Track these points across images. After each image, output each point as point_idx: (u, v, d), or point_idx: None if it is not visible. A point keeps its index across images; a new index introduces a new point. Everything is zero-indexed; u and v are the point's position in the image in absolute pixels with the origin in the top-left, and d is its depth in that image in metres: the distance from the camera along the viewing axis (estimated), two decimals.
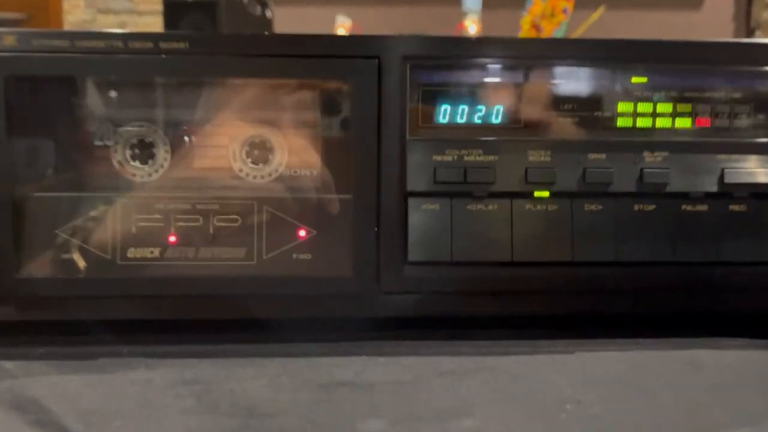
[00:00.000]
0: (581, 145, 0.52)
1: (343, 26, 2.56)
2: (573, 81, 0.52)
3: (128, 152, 0.53)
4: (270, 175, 0.54)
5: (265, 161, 0.54)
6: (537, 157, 0.51)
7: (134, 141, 0.53)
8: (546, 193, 0.52)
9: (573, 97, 0.52)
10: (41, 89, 0.51)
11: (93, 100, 0.53)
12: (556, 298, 0.54)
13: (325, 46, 0.50)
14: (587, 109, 0.52)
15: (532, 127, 0.52)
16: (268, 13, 2.02)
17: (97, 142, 0.53)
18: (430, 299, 0.53)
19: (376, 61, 0.50)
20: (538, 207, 0.52)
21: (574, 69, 0.52)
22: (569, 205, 0.52)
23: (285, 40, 0.50)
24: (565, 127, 0.52)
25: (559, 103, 0.52)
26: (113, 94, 0.53)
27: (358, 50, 0.50)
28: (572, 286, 0.52)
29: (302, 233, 0.52)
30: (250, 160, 0.54)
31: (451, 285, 0.52)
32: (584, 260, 0.52)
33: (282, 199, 0.52)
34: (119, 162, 0.53)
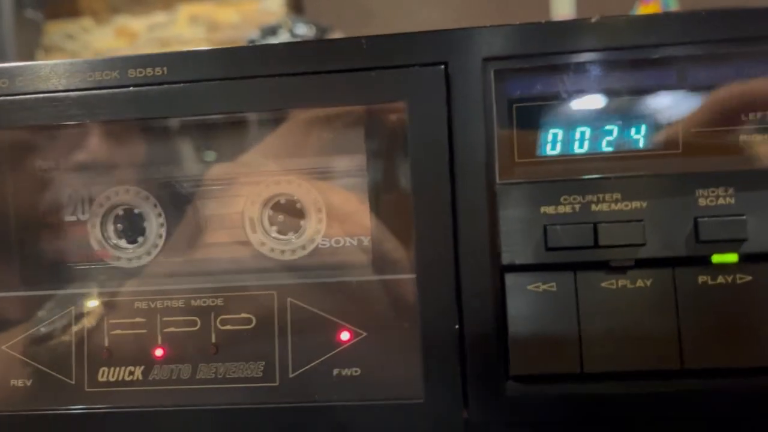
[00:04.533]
0: None
1: None
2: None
3: (111, 227, 0.38)
4: (303, 248, 0.37)
5: (296, 229, 0.37)
6: (712, 198, 0.32)
7: (119, 212, 0.38)
8: (733, 257, 0.32)
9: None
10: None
11: (58, 159, 0.39)
12: (760, 426, 0.33)
13: (363, 52, 0.33)
14: None
15: (698, 151, 0.33)
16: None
17: (69, 218, 0.39)
18: None
19: (443, 68, 0.33)
20: (720, 280, 0.32)
21: None
22: None
23: (304, 49, 0.33)
24: (755, 148, 0.32)
25: (743, 111, 0.32)
26: (86, 148, 0.39)
27: (413, 54, 0.33)
28: None
29: (346, 336, 0.34)
30: (274, 228, 0.37)
31: (583, 411, 0.32)
32: None
33: (315, 286, 0.35)
34: (97, 242, 0.38)
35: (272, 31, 1.79)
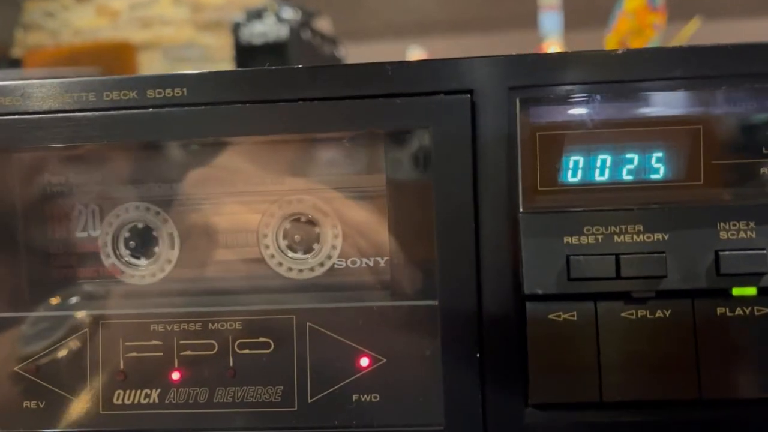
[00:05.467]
0: None
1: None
2: None
3: (122, 244, 0.38)
4: (318, 267, 0.37)
5: (310, 248, 0.37)
6: (733, 231, 0.32)
7: (130, 229, 0.38)
8: (752, 291, 0.32)
9: None
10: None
11: (72, 175, 0.38)
12: None
13: (386, 79, 0.32)
14: None
15: (719, 182, 0.33)
16: (340, 53, 1.89)
17: (80, 234, 0.38)
18: None
19: (468, 97, 0.32)
20: (739, 311, 0.32)
21: None
22: None
23: (327, 74, 0.33)
24: None
25: (765, 141, 0.33)
26: (99, 165, 0.38)
27: (439, 82, 0.32)
28: None
29: (365, 362, 0.34)
30: (289, 247, 0.37)
31: None
32: None
33: (334, 311, 0.35)
34: (109, 259, 0.37)
35: (258, 14, 1.77)
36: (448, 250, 0.33)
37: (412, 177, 0.36)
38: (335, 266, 0.37)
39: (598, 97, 0.33)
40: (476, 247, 0.33)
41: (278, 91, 0.33)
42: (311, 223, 0.37)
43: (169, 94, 0.33)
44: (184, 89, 0.33)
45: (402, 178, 0.36)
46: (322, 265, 0.37)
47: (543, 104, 0.33)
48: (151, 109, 0.33)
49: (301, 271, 0.37)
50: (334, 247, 0.37)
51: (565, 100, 0.33)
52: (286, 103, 0.33)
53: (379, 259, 0.37)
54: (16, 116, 0.33)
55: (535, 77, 0.32)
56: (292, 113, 0.33)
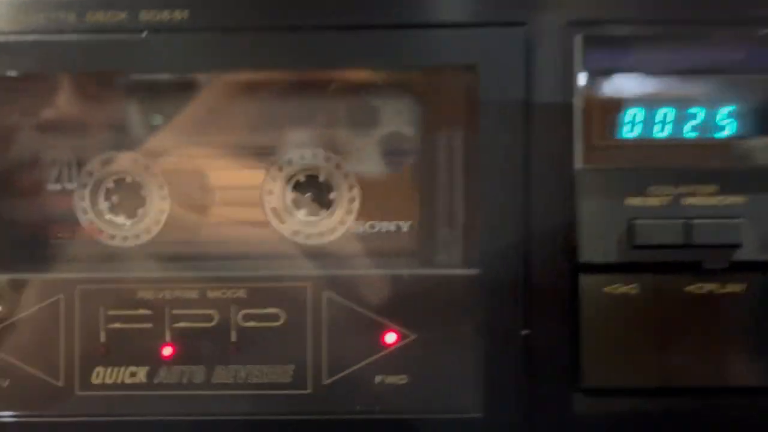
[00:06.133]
0: None
1: None
2: None
3: (102, 200, 0.32)
4: (331, 232, 0.32)
5: (323, 209, 0.32)
6: None
7: (111, 182, 0.32)
8: None
9: None
10: None
11: (41, 116, 0.32)
12: None
13: (426, 5, 0.27)
14: None
15: None
16: None
17: (52, 186, 0.32)
18: None
19: (523, 30, 0.28)
20: None
21: None
22: None
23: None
24: None
25: None
26: (75, 104, 0.32)
27: (490, 11, 0.28)
28: None
29: (391, 338, 0.29)
30: (299, 208, 0.32)
31: (660, 430, 0.29)
32: None
33: (356, 279, 0.30)
34: (86, 214, 0.32)
35: None
36: (493, 212, 0.28)
37: (445, 129, 0.31)
38: (352, 231, 0.32)
39: (675, 39, 0.29)
40: (527, 207, 0.28)
41: (297, 16, 0.28)
42: (324, 179, 0.32)
43: (166, 17, 0.28)
44: (186, 11, 0.28)
45: (434, 130, 0.31)
46: (331, 232, 0.32)
47: (608, 44, 0.28)
48: (145, 34, 0.27)
49: (309, 236, 0.32)
50: (349, 209, 0.32)
51: (634, 42, 0.28)
52: (306, 31, 0.28)
53: (401, 223, 0.32)
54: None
55: (600, 11, 0.28)
56: (313, 44, 0.28)
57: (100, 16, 0.28)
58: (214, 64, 0.28)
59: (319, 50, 0.28)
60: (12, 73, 0.29)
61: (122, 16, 0.28)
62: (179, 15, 0.28)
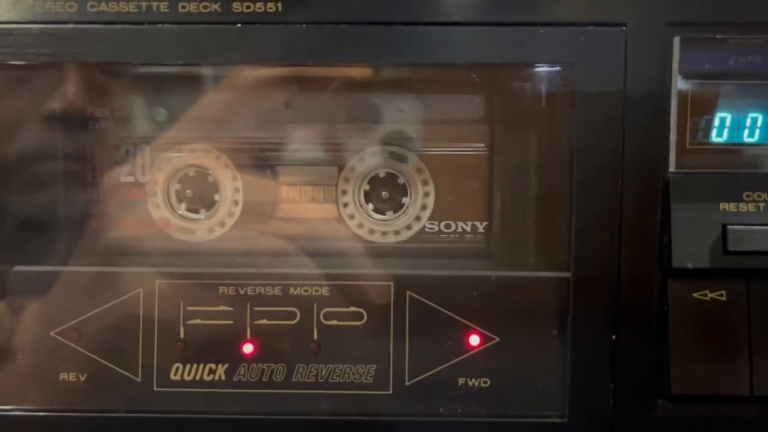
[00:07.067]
0: None
1: None
2: None
3: (174, 193, 0.32)
4: (406, 230, 0.32)
5: (396, 207, 0.32)
6: None
7: (185, 174, 0.32)
8: None
9: None
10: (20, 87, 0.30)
11: (115, 108, 0.32)
12: None
13: (529, 2, 0.27)
14: None
15: None
16: None
17: (125, 178, 0.32)
18: None
19: (623, 30, 0.27)
20: None
21: None
22: None
23: None
24: None
25: None
26: (150, 97, 0.32)
27: (589, 10, 0.27)
28: None
29: (475, 341, 0.29)
30: (370, 206, 0.32)
31: None
32: None
33: (440, 279, 0.29)
34: (159, 209, 0.32)
35: None
36: (587, 214, 0.28)
37: (520, 127, 0.31)
38: (428, 230, 0.32)
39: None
40: (619, 210, 0.28)
41: (389, 12, 0.27)
42: (396, 177, 0.32)
43: (260, 8, 0.27)
44: (279, 3, 0.27)
45: (516, 129, 0.31)
46: (409, 227, 0.32)
47: (706, 47, 0.28)
48: (239, 26, 0.27)
49: (385, 233, 0.32)
50: (424, 207, 0.32)
51: (732, 45, 0.28)
52: (399, 26, 0.27)
53: (477, 224, 0.32)
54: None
55: (699, 13, 0.27)
56: (405, 39, 0.27)
57: (192, 7, 0.27)
58: (301, 56, 0.27)
59: (413, 46, 0.28)
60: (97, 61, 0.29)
61: (214, 6, 0.27)
62: (273, 6, 0.27)
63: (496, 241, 0.31)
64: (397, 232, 0.32)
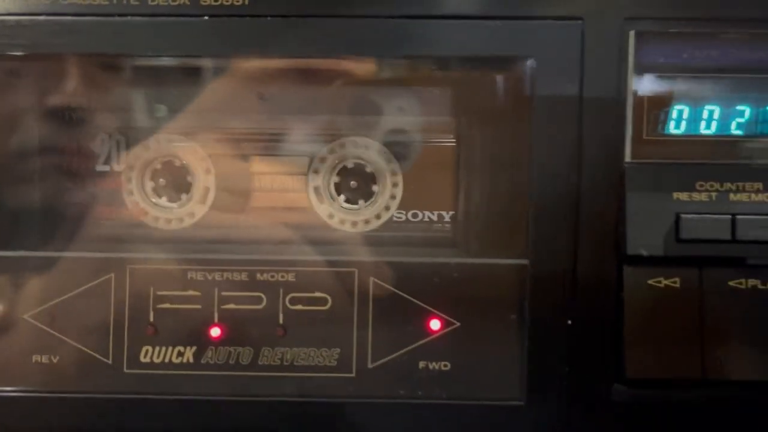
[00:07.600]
0: None
1: None
2: None
3: (149, 181, 0.33)
4: (374, 219, 0.32)
5: (366, 197, 0.33)
6: None
7: (158, 164, 0.33)
8: None
9: None
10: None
11: (91, 98, 0.32)
12: None
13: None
14: None
15: None
16: None
17: (100, 167, 0.33)
18: None
19: (580, 24, 0.28)
20: None
21: None
22: None
23: None
24: None
25: None
26: (124, 87, 0.33)
27: (548, 4, 0.28)
28: None
29: (436, 325, 0.30)
30: (342, 196, 0.33)
31: (700, 422, 0.29)
32: None
33: (402, 266, 0.30)
34: (132, 197, 0.32)
35: None
36: (544, 203, 0.28)
37: (492, 121, 0.31)
38: (395, 220, 0.33)
39: (732, 36, 0.29)
40: (576, 200, 0.28)
41: (354, 4, 0.28)
42: (365, 166, 0.33)
43: (227, 1, 0.28)
44: None
45: (481, 121, 0.32)
46: (374, 219, 0.33)
47: (663, 41, 0.29)
48: (206, 18, 0.28)
49: (355, 223, 0.33)
50: (393, 197, 0.33)
51: (687, 38, 0.29)
52: (362, 18, 0.28)
53: (444, 213, 0.33)
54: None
55: (656, 8, 0.28)
56: (367, 31, 0.28)
57: (160, 0, 0.28)
58: (271, 50, 0.28)
59: (375, 38, 0.28)
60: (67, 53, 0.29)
61: (183, 0, 0.28)
62: (239, 1, 0.28)
63: (461, 230, 0.32)
64: (366, 222, 0.33)
